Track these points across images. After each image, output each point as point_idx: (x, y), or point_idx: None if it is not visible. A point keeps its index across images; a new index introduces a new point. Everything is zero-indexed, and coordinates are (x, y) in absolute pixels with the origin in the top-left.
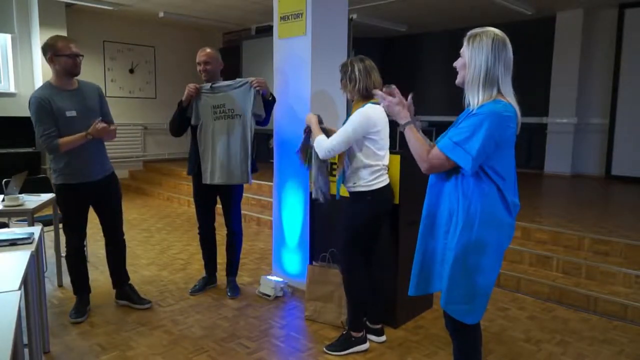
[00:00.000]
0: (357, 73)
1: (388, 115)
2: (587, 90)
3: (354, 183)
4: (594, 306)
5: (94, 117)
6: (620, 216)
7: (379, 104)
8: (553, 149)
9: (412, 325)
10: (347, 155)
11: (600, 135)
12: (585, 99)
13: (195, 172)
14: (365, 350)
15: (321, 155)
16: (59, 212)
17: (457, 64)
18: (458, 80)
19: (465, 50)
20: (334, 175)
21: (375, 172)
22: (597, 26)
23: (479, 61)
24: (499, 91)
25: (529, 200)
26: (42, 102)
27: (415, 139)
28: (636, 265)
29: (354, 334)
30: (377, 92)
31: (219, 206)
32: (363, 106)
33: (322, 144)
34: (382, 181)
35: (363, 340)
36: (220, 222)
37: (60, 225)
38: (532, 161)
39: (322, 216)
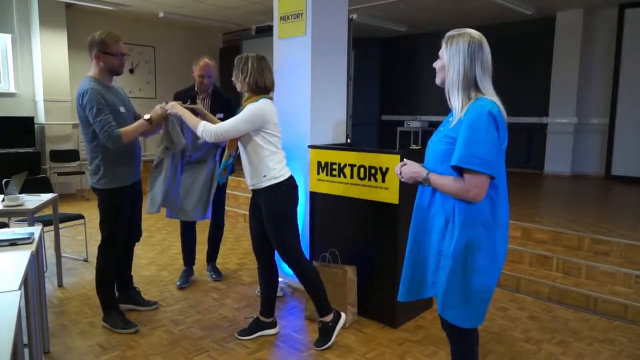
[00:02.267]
0: (249, 66)
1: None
2: (587, 90)
3: (265, 175)
4: (594, 306)
5: (131, 116)
6: (620, 216)
7: (272, 99)
8: (553, 149)
9: (412, 325)
10: (248, 150)
11: (600, 135)
12: (585, 99)
13: None
14: (344, 322)
15: (210, 138)
16: (62, 212)
17: (437, 65)
18: (438, 81)
19: (443, 52)
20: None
21: (281, 160)
22: (597, 26)
23: (457, 63)
24: (478, 91)
25: (529, 200)
26: (99, 93)
27: (444, 182)
28: (636, 265)
29: (327, 318)
30: (397, 170)
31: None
32: (257, 101)
33: (209, 128)
34: (288, 170)
35: (337, 317)
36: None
37: (61, 225)
38: (532, 161)
39: (322, 216)
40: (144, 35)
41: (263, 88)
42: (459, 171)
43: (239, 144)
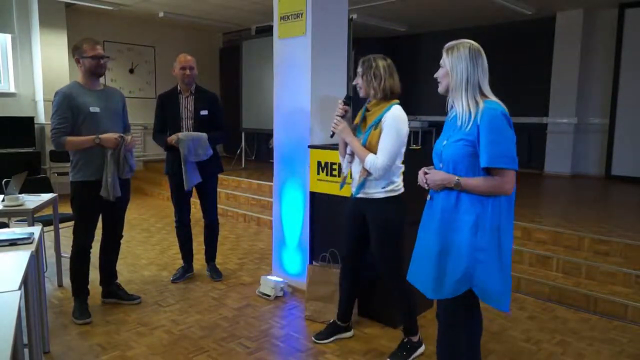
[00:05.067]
0: (382, 70)
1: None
2: (587, 90)
3: (383, 187)
4: (594, 306)
5: (116, 118)
6: (620, 216)
7: (399, 103)
8: (553, 149)
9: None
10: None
11: (600, 135)
12: (585, 99)
13: (174, 171)
14: (422, 352)
15: (377, 175)
16: (62, 212)
17: (439, 74)
18: (440, 89)
19: (445, 61)
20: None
21: (401, 175)
22: (597, 26)
23: (460, 69)
24: (481, 93)
25: (529, 200)
26: (66, 97)
27: (477, 183)
28: (636, 265)
29: (413, 338)
30: (421, 178)
31: (195, 200)
32: (390, 107)
33: (376, 164)
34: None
35: (420, 343)
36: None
37: (61, 225)
38: (532, 161)
39: (323, 216)
40: (144, 35)
41: (396, 94)
42: (487, 170)
43: (357, 149)
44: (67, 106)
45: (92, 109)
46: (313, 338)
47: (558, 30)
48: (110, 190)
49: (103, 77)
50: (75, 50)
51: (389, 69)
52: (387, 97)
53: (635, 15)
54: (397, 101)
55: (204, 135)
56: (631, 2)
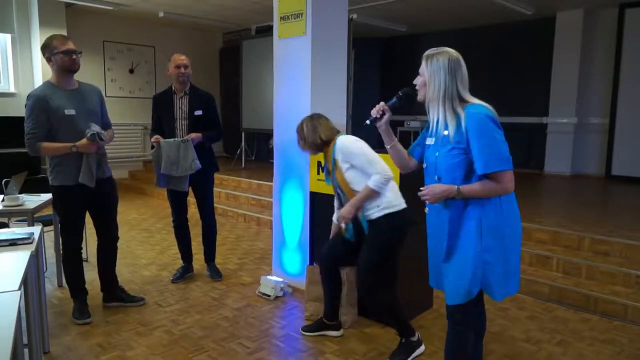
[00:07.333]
0: (305, 130)
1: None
2: (587, 90)
3: (378, 206)
4: (594, 306)
5: (93, 118)
6: (620, 216)
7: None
8: (553, 149)
9: (413, 325)
10: (356, 183)
11: (600, 135)
12: (585, 99)
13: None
14: (422, 352)
15: (386, 182)
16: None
17: (417, 82)
18: (419, 98)
19: (424, 69)
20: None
21: (393, 187)
22: (597, 26)
23: (438, 80)
24: (462, 101)
25: (529, 200)
26: (39, 100)
27: (476, 189)
28: (636, 265)
29: (411, 338)
30: (422, 193)
31: (193, 200)
32: (335, 145)
33: (375, 179)
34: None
35: (420, 342)
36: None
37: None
38: (532, 161)
39: (323, 216)
40: (144, 35)
41: (328, 140)
42: (484, 175)
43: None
44: (41, 109)
45: (67, 112)
46: (301, 330)
47: (558, 30)
48: (88, 178)
49: (78, 74)
50: (45, 49)
51: (312, 127)
52: (320, 147)
53: (635, 15)
54: (339, 134)
55: (190, 148)
56: (631, 2)
